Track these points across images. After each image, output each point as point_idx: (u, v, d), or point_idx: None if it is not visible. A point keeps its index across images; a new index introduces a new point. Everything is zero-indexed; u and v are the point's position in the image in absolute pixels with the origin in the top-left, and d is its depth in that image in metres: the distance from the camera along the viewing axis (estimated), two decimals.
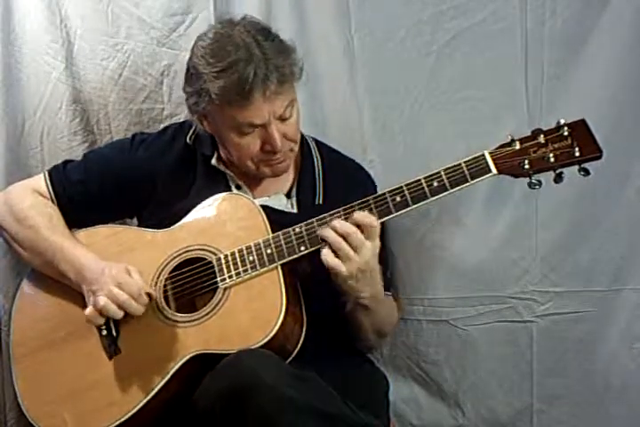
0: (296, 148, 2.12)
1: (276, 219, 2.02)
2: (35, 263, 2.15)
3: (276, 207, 2.13)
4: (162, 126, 2.38)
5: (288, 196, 2.18)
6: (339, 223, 1.89)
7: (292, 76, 2.01)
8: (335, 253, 1.89)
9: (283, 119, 2.03)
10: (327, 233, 1.89)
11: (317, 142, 2.27)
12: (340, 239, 1.88)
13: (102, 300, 1.93)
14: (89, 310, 1.95)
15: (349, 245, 1.88)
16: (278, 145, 2.02)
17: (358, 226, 1.89)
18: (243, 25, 2.03)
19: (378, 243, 1.92)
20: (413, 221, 2.36)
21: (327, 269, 1.90)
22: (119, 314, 1.94)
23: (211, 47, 2.00)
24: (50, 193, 2.20)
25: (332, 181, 2.19)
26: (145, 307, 1.96)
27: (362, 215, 1.90)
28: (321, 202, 2.16)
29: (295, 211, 2.15)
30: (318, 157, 2.22)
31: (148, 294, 1.96)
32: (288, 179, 2.20)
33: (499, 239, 2.42)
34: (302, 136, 2.18)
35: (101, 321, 1.97)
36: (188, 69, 2.07)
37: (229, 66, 1.95)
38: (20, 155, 2.46)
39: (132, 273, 1.97)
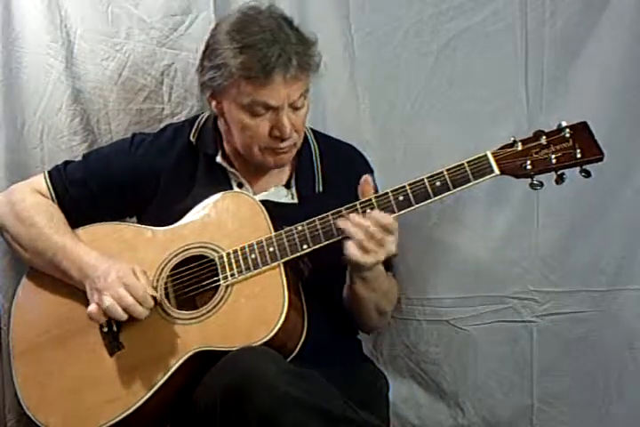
0: (299, 142, 2.13)
1: (278, 212, 2.03)
2: (36, 263, 2.14)
3: (277, 200, 2.14)
4: (162, 126, 2.38)
5: (287, 186, 2.19)
6: (360, 220, 1.90)
7: (312, 66, 2.04)
8: (360, 246, 1.89)
9: (295, 108, 2.04)
10: (352, 230, 1.90)
11: (313, 131, 2.27)
12: (364, 237, 1.88)
13: (108, 300, 1.93)
14: (92, 307, 1.95)
15: (374, 241, 1.89)
16: (287, 131, 2.03)
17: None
18: (269, 12, 2.06)
19: (397, 235, 1.93)
20: (414, 220, 2.35)
21: (348, 259, 1.91)
22: (124, 316, 1.94)
23: (237, 25, 2.02)
24: (50, 193, 2.20)
25: (331, 167, 2.20)
26: (149, 311, 1.96)
27: (380, 215, 1.90)
28: (321, 189, 2.17)
29: (296, 201, 2.16)
30: (315, 145, 2.23)
31: (153, 298, 1.97)
32: (286, 170, 2.21)
33: (499, 239, 2.42)
34: None
35: (103, 320, 1.97)
36: (207, 46, 2.08)
37: (255, 43, 1.97)
38: (20, 155, 2.45)
39: (139, 274, 1.97)
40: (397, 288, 2.26)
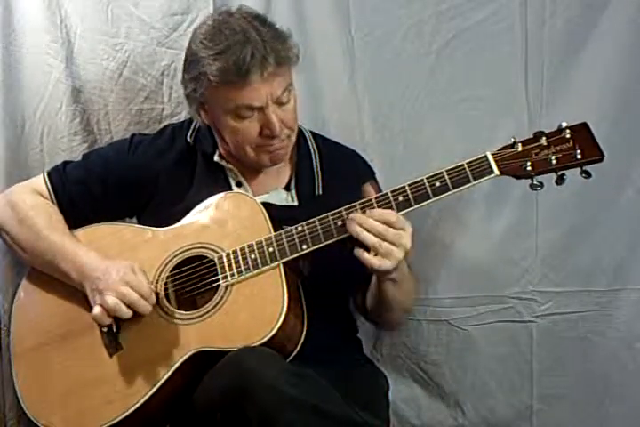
0: (293, 136, 2.13)
1: (278, 214, 2.03)
2: (35, 264, 2.14)
3: (277, 203, 2.14)
4: (162, 126, 2.38)
5: (287, 188, 2.19)
6: (372, 222, 1.88)
7: (289, 60, 2.03)
8: (375, 251, 1.88)
9: (280, 104, 2.03)
10: (363, 235, 1.88)
11: (313, 133, 2.27)
12: (377, 239, 1.87)
13: (111, 299, 1.93)
14: (97, 309, 1.95)
15: (388, 241, 1.88)
16: (277, 129, 2.03)
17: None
18: (239, 13, 2.06)
19: (410, 228, 1.92)
20: (414, 220, 2.33)
21: (369, 269, 1.91)
22: (128, 314, 1.93)
23: (209, 33, 2.03)
24: (50, 193, 2.19)
25: (330, 170, 2.20)
26: (152, 306, 1.96)
27: (384, 213, 1.90)
28: (320, 192, 2.17)
29: (296, 203, 2.16)
30: (315, 148, 2.23)
31: (156, 294, 1.97)
32: (286, 173, 2.21)
33: (499, 239, 2.43)
34: (299, 128, 2.18)
35: (108, 321, 1.96)
36: (186, 58, 2.08)
37: (227, 48, 1.97)
38: (20, 155, 2.44)
39: (138, 272, 1.97)
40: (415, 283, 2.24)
